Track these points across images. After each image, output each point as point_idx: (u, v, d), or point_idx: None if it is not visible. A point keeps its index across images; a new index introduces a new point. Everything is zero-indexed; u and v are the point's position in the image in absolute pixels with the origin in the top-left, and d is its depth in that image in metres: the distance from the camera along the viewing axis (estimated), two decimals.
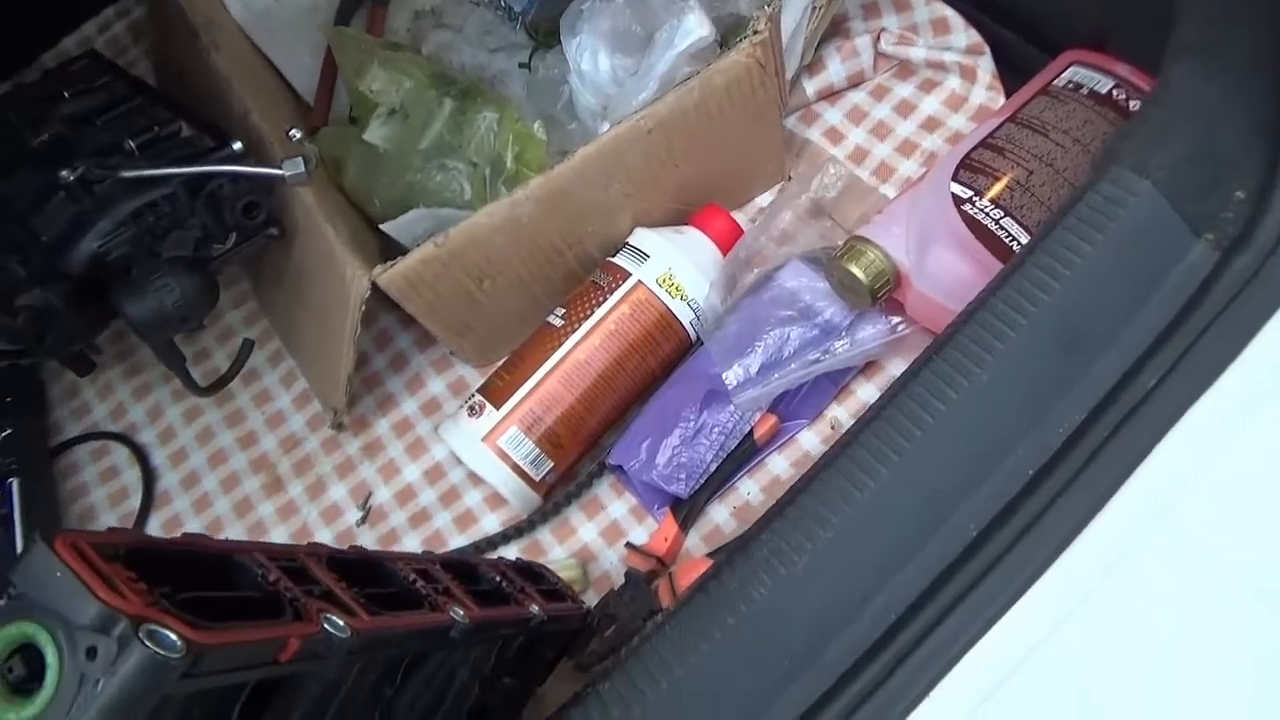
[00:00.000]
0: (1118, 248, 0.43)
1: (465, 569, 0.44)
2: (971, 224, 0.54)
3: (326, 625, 0.28)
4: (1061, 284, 0.43)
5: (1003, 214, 0.54)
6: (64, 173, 0.61)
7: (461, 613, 0.37)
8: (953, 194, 0.56)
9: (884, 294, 0.57)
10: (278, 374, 0.72)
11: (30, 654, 0.23)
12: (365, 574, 0.36)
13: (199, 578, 0.28)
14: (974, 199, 0.55)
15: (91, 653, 0.22)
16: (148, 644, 0.22)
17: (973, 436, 0.42)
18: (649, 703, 0.39)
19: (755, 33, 0.57)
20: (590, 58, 0.58)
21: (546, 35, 0.76)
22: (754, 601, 0.40)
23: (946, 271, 0.55)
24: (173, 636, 0.23)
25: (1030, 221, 0.54)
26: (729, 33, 0.63)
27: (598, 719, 0.40)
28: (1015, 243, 0.54)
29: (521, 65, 0.73)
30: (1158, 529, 0.39)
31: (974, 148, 0.57)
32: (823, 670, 0.39)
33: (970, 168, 0.56)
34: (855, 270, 0.56)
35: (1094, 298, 0.43)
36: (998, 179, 0.55)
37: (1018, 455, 0.41)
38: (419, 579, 0.37)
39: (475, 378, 0.69)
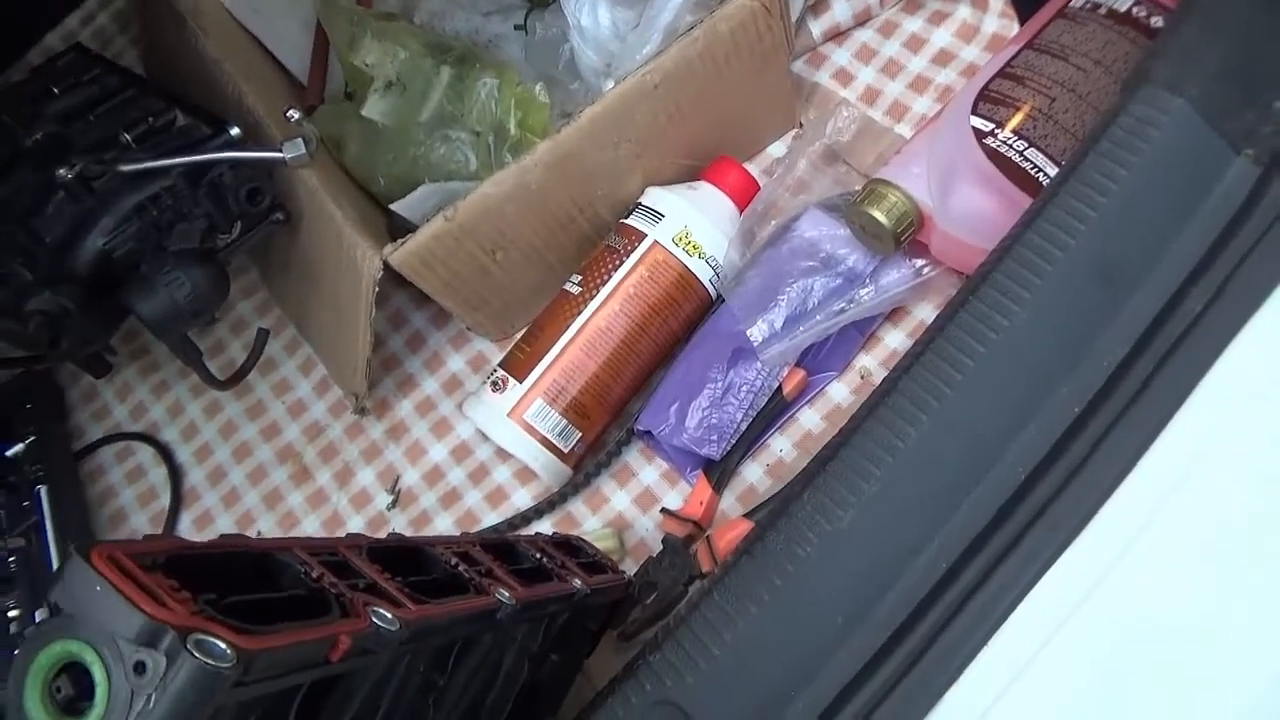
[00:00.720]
0: (1153, 170, 0.42)
1: (504, 548, 0.43)
2: (995, 157, 0.53)
3: (375, 619, 0.27)
4: (1097, 212, 0.41)
5: (1026, 145, 0.53)
6: (61, 170, 0.60)
7: (507, 594, 0.36)
8: (973, 128, 0.54)
9: (907, 237, 0.55)
10: (295, 362, 0.72)
11: (77, 672, 0.23)
12: (406, 562, 0.35)
13: (240, 579, 0.27)
14: (995, 131, 0.53)
15: (140, 668, 0.22)
16: (197, 655, 0.22)
17: (1014, 377, 0.40)
18: (701, 670, 0.39)
19: None
20: (590, 13, 0.57)
21: None
22: (800, 560, 0.39)
23: (971, 209, 0.53)
24: (222, 645, 0.22)
25: (1056, 151, 0.52)
26: None
27: (651, 689, 0.39)
28: (1041, 174, 0.52)
29: (517, 27, 0.71)
30: (1212, 459, 0.38)
31: (991, 78, 0.55)
32: (876, 625, 0.38)
33: (989, 99, 0.55)
34: (877, 214, 0.54)
35: (1131, 225, 0.41)
36: (1018, 109, 0.54)
37: (1062, 394, 0.40)
38: (460, 562, 0.37)
39: (494, 352, 0.68)
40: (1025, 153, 0.52)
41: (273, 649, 0.23)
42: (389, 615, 0.28)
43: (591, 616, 0.48)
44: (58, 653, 0.23)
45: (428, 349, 0.70)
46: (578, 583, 0.44)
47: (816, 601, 0.39)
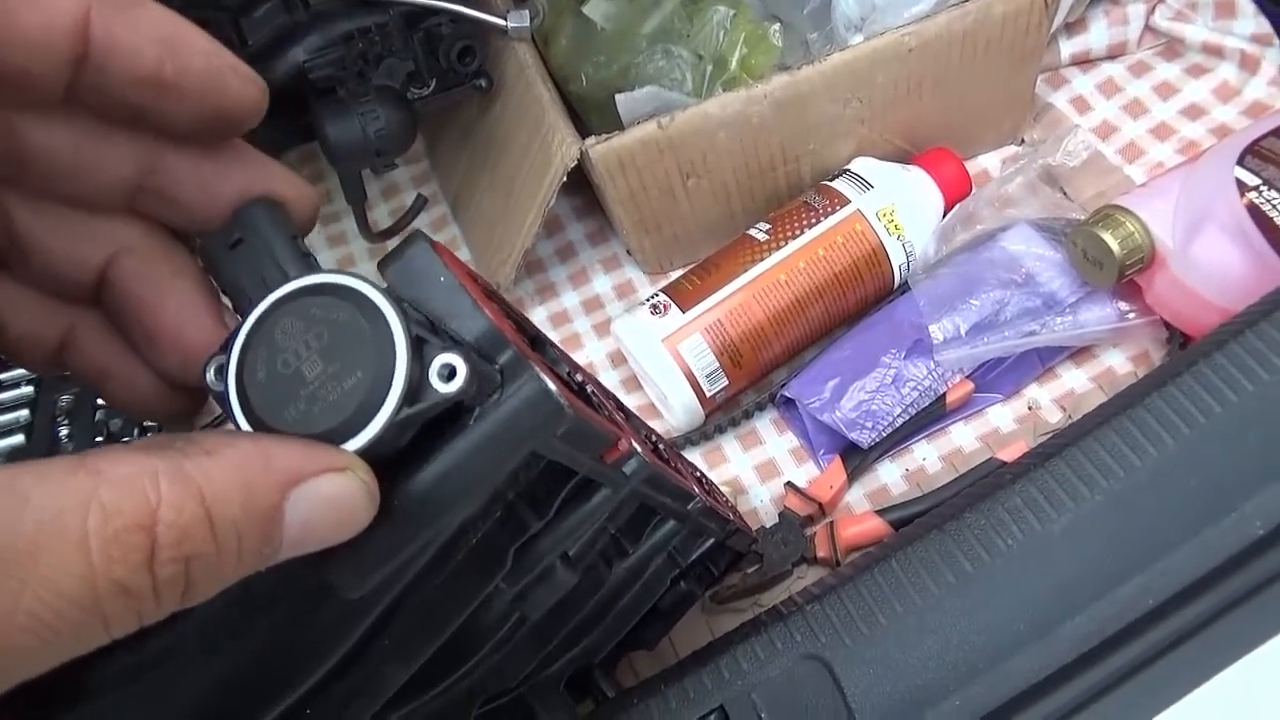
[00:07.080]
0: None
1: (624, 410, 0.37)
2: (1255, 214, 0.49)
3: (635, 445, 0.24)
4: None
5: None
6: None
7: (638, 448, 0.27)
8: (1237, 179, 0.50)
9: (1131, 272, 0.52)
10: (440, 240, 0.69)
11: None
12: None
13: None
14: (1260, 189, 0.50)
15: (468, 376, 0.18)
16: (545, 378, 0.19)
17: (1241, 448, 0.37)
18: (861, 635, 0.36)
19: None
20: None
21: None
22: (998, 552, 0.36)
23: (1215, 261, 0.50)
24: (552, 388, 0.19)
25: None
26: None
27: (801, 641, 0.36)
28: None
29: None
30: None
31: (1264, 135, 0.52)
32: (1061, 643, 0.35)
33: (1259, 155, 0.51)
34: (1109, 240, 0.51)
35: None
36: None
37: None
38: (593, 389, 0.29)
39: (644, 284, 0.66)
40: None
41: (584, 417, 0.20)
42: (640, 449, 0.25)
43: (717, 558, 0.45)
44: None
45: (577, 263, 0.67)
46: (696, 490, 0.37)
47: (1003, 599, 0.35)
